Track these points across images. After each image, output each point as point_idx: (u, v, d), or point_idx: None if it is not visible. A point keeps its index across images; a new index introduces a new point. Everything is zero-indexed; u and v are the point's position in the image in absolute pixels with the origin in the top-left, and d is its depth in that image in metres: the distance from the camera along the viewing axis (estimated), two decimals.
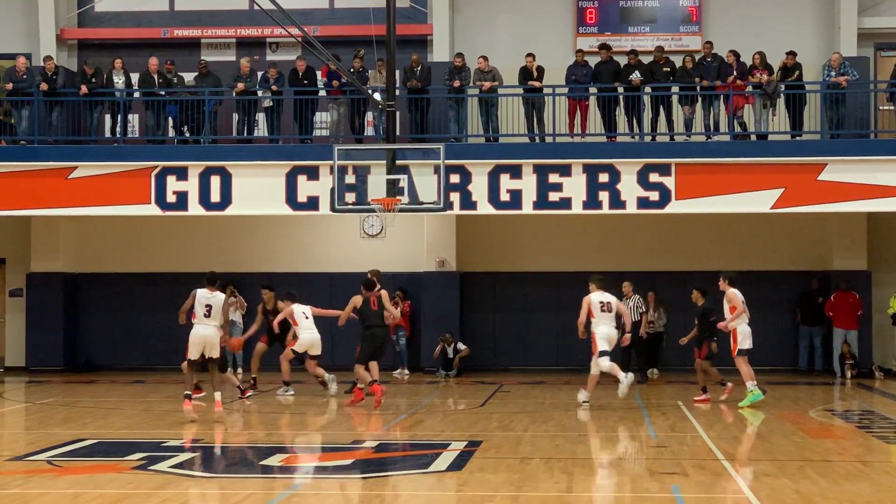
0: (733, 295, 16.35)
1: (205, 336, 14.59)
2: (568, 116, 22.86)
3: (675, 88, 22.38)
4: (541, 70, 22.40)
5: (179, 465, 12.16)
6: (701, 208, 21.42)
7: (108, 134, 23.27)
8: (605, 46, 23.08)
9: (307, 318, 17.54)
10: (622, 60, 22.66)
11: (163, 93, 22.53)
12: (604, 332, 17.14)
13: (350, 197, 19.95)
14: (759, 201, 20.91)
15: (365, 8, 22.70)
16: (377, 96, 21.13)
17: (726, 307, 16.65)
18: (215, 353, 14.86)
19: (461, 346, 23.09)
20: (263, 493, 10.60)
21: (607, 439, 14.52)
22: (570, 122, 22.79)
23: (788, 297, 23.34)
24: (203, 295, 14.97)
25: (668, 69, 22.25)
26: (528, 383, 20.18)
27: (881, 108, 23.49)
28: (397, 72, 20.90)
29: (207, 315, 14.87)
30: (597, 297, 17.41)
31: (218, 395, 15.34)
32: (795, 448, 11.88)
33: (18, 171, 21.99)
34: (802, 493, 8.79)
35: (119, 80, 22.60)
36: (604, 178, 20.98)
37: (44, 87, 22.00)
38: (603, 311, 17.14)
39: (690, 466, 11.62)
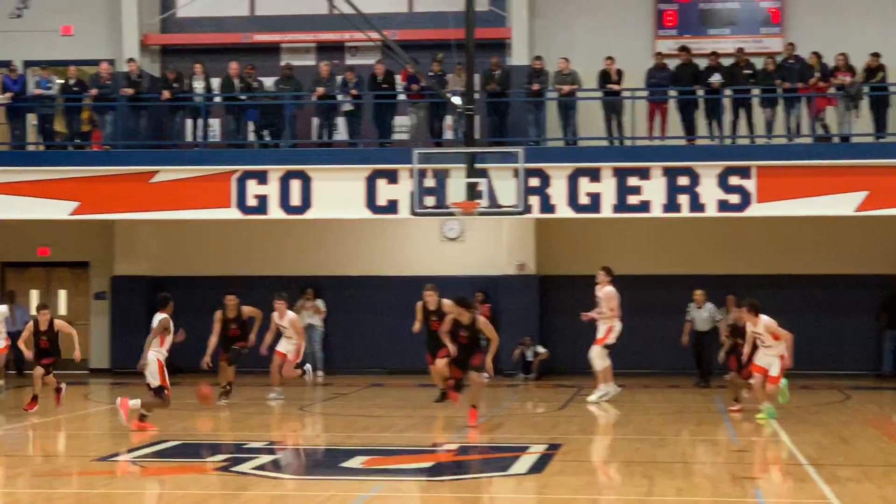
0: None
1: None
2: (647, 119, 23.01)
3: (755, 91, 22.32)
4: (620, 73, 22.57)
5: (261, 467, 12.36)
6: (782, 211, 21.43)
7: (189, 138, 23.72)
8: (684, 49, 23.24)
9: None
10: (702, 63, 22.68)
11: (243, 97, 22.85)
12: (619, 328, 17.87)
13: (429, 200, 20.24)
14: (843, 204, 20.81)
15: (444, 12, 23.03)
16: (456, 100, 21.17)
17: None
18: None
19: (540, 349, 23.29)
20: (344, 494, 10.67)
21: (688, 443, 14.65)
22: (650, 125, 22.95)
23: (872, 300, 23.14)
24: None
25: (749, 71, 22.30)
26: None
27: None
28: (476, 75, 21.19)
29: None
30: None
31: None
32: (880, 453, 11.89)
33: (102, 176, 22.43)
34: (888, 498, 8.76)
35: (200, 85, 23.03)
36: (683, 181, 21.08)
37: (129, 91, 22.44)
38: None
39: (773, 471, 11.94)
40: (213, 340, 17.40)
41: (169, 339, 14.59)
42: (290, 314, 18.28)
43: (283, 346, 18.18)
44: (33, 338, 16.91)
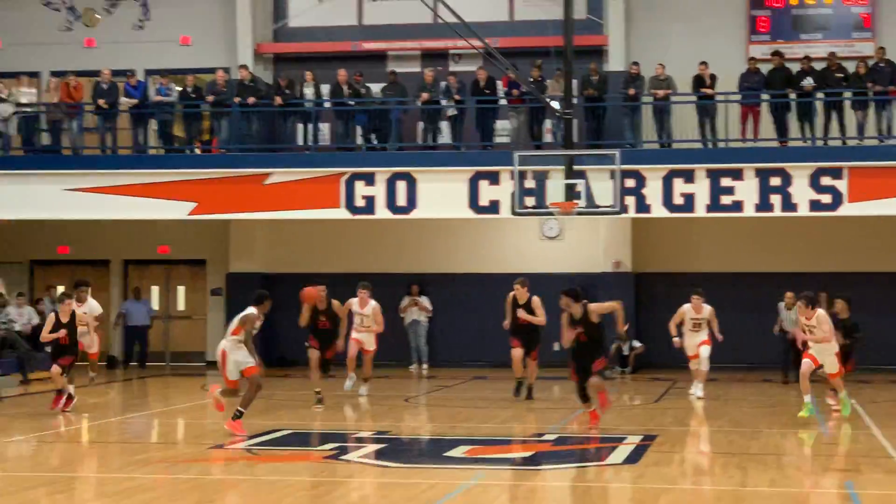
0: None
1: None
2: (740, 122, 23.32)
3: (847, 94, 22.45)
4: (713, 77, 22.95)
5: (368, 456, 12.76)
6: (874, 211, 21.71)
7: (300, 142, 24.31)
8: (777, 53, 23.54)
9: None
10: (794, 67, 22.96)
11: (352, 103, 23.42)
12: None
13: (529, 201, 20.89)
14: None
15: (543, 20, 23.87)
16: (555, 104, 21.64)
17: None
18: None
19: (636, 343, 23.77)
20: (447, 482, 10.97)
21: (781, 436, 14.77)
22: (742, 128, 23.29)
23: None
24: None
25: (841, 75, 22.49)
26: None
27: None
28: (574, 81, 21.51)
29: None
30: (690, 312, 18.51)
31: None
32: None
33: (218, 178, 23.11)
34: None
35: (310, 92, 23.74)
36: (775, 181, 21.46)
37: (251, 100, 23.13)
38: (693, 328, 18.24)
39: (864, 464, 11.89)
40: (305, 318, 16.66)
41: (245, 335, 14.51)
42: (373, 303, 17.98)
43: (360, 335, 18.09)
44: (59, 329, 16.54)
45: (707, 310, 18.67)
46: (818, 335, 15.49)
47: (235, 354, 14.13)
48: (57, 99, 24.47)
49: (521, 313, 16.95)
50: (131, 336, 27.00)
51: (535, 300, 16.99)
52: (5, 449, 14.00)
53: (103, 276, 27.46)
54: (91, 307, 19.44)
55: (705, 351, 18.57)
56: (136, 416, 18.64)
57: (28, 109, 24.68)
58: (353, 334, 18.03)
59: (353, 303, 17.73)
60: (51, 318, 17.15)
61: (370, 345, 18.16)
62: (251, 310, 14.41)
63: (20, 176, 23.97)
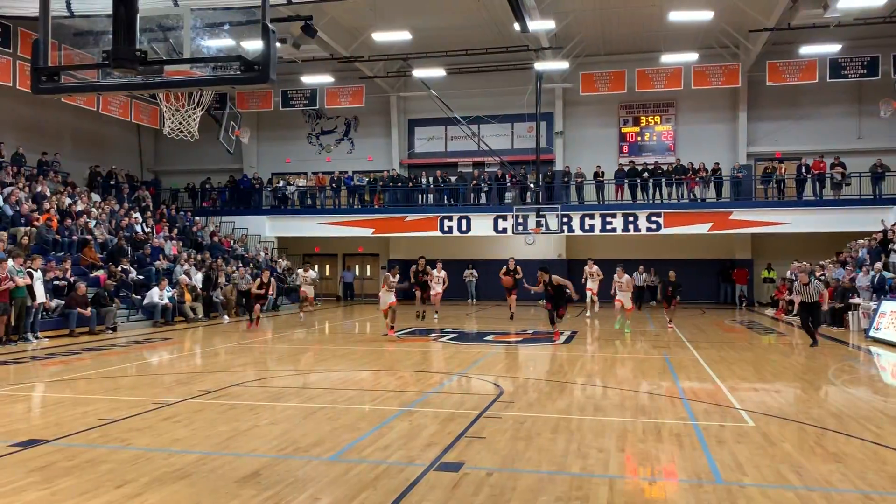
0: None
1: None
2: (616, 192, 26.72)
3: (663, 180, 25.89)
4: (603, 173, 26.63)
5: (450, 338, 15.76)
6: (676, 232, 25.25)
7: (419, 202, 27.98)
8: (631, 162, 27.15)
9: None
10: (639, 168, 26.51)
11: (442, 185, 27.40)
12: None
13: (520, 228, 25.10)
14: None
15: (526, 147, 27.89)
16: (531, 185, 25.91)
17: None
18: None
19: None
20: (484, 351, 12.80)
21: (638, 335, 16.24)
22: (616, 195, 26.75)
23: None
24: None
25: (660, 171, 26.12)
26: None
27: None
28: (539, 174, 25.94)
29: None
30: None
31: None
32: None
33: (384, 218, 27.02)
34: None
35: (424, 181, 27.95)
36: (631, 218, 25.50)
37: (399, 184, 27.29)
38: None
39: (674, 347, 13.39)
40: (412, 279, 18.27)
41: (388, 286, 14.99)
42: (444, 271, 18.77)
43: (437, 288, 18.65)
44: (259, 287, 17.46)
45: (595, 268, 20.28)
46: (624, 288, 17.22)
47: (385, 297, 15.20)
48: (313, 184, 29.50)
49: (506, 279, 17.81)
50: (346, 287, 30.76)
51: (518, 268, 17.84)
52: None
53: (333, 262, 31.91)
54: (312, 274, 20.55)
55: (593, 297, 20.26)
56: (352, 319, 21.77)
57: (300, 188, 29.42)
58: (434, 287, 18.45)
59: (434, 272, 18.47)
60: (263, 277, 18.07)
61: (440, 292, 18.73)
62: (387, 274, 15.41)
63: (298, 216, 28.68)
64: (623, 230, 26.22)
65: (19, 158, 23.05)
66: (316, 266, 30.18)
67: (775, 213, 25.12)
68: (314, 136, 31.63)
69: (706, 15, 21.69)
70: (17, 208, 19.23)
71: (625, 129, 28.94)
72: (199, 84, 4.91)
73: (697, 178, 26.26)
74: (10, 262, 14.36)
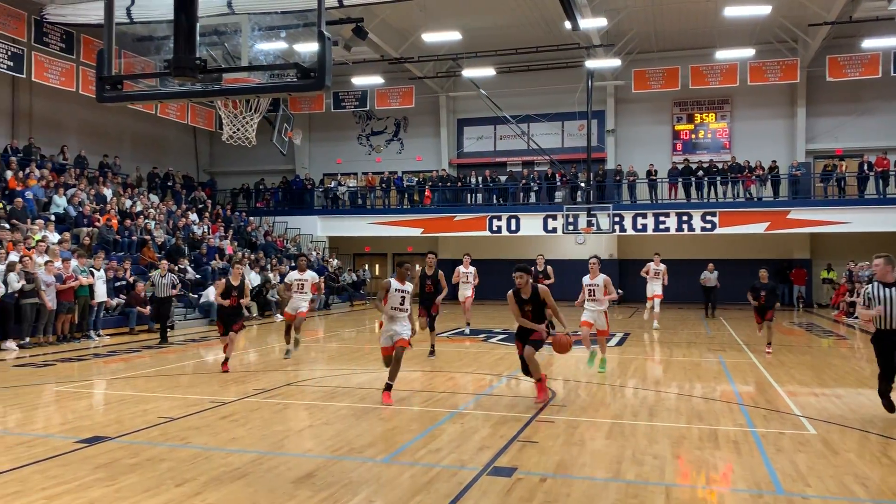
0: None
1: None
2: (669, 191, 26.28)
3: (718, 178, 25.37)
4: (656, 172, 26.17)
5: (498, 340, 17.00)
6: (732, 232, 24.75)
7: (468, 202, 27.96)
8: (686, 160, 26.62)
9: None
10: (693, 166, 26.04)
11: (491, 185, 27.35)
12: None
13: (570, 227, 25.18)
14: None
15: (577, 146, 27.70)
16: (582, 184, 25.59)
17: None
18: None
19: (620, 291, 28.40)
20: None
21: (692, 337, 16.32)
22: (669, 194, 26.33)
23: None
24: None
25: (716, 169, 25.74)
26: None
27: None
28: (591, 173, 25.85)
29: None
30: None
31: None
32: None
33: (433, 217, 27.11)
34: None
35: (473, 180, 27.77)
36: (685, 217, 25.08)
37: (448, 184, 28.00)
38: None
39: (729, 348, 13.52)
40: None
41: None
42: (473, 267, 15.29)
43: (464, 291, 15.56)
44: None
45: (662, 267, 17.34)
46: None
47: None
48: (364, 184, 29.79)
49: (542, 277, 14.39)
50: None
51: (549, 269, 14.93)
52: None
53: (383, 261, 31.72)
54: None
55: (658, 303, 17.35)
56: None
57: (351, 188, 29.78)
58: (460, 290, 15.44)
59: (461, 268, 15.37)
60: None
61: (470, 295, 15.53)
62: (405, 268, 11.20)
63: (349, 216, 28.96)
64: (677, 230, 25.78)
65: (82, 161, 23.82)
66: (366, 265, 30.47)
67: (835, 212, 24.43)
68: (364, 137, 31.89)
69: (763, 9, 21.21)
70: (80, 209, 19.89)
71: (678, 127, 28.53)
72: (256, 91, 5.01)
73: (754, 177, 25.75)
74: (73, 261, 14.83)
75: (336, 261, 28.34)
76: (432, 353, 12.22)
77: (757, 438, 6.86)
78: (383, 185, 29.09)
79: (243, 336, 16.87)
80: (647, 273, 17.57)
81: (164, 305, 15.18)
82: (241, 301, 10.86)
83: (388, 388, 8.19)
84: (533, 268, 14.08)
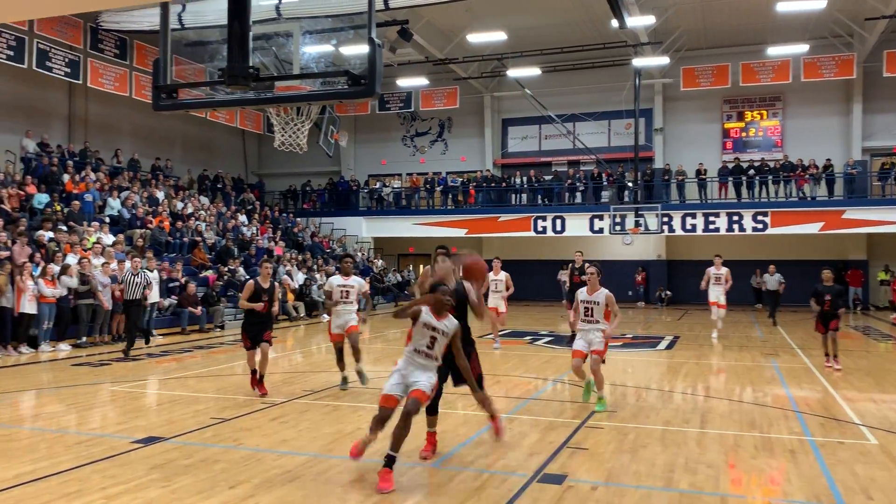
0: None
1: None
2: (718, 190, 25.77)
3: (769, 177, 24.84)
4: (705, 171, 25.67)
5: (545, 343, 16.08)
6: (784, 232, 24.20)
7: (513, 202, 27.84)
8: (736, 158, 26.10)
9: None
10: (744, 165, 25.48)
11: (535, 185, 27.48)
12: None
13: (618, 228, 24.91)
14: None
15: (624, 145, 27.21)
16: (629, 183, 25.40)
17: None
18: None
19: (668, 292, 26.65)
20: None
21: (744, 340, 15.78)
22: (719, 193, 25.80)
23: None
24: None
25: (767, 168, 25.14)
26: None
27: None
28: (638, 172, 25.46)
29: None
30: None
31: None
32: None
33: (477, 218, 27.07)
34: None
35: (517, 180, 27.63)
36: (735, 217, 24.53)
37: (493, 184, 27.95)
38: None
39: (782, 351, 13.26)
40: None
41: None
42: (504, 272, 13.44)
43: (494, 301, 13.49)
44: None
45: (724, 270, 15.56)
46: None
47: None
48: (408, 185, 29.95)
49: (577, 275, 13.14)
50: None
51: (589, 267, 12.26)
52: None
53: (427, 262, 28.02)
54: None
55: (722, 312, 15.75)
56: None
57: (395, 189, 29.73)
58: (490, 300, 13.11)
59: (490, 275, 12.64)
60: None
61: (503, 307, 13.76)
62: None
63: (393, 217, 28.92)
64: (727, 230, 25.23)
65: (135, 164, 24.40)
66: (410, 265, 30.56)
67: (893, 211, 23.69)
68: (409, 138, 31.97)
69: (818, 4, 20.61)
70: (133, 211, 20.39)
71: (728, 125, 27.96)
72: (307, 99, 5.06)
73: (807, 175, 25.14)
74: (127, 263, 15.18)
75: (381, 261, 28.46)
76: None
77: (814, 447, 6.69)
78: (427, 185, 29.14)
79: (290, 335, 16.97)
80: (706, 281, 15.82)
81: (132, 309, 13.22)
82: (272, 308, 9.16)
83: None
84: (570, 265, 13.90)
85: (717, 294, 15.71)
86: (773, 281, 19.67)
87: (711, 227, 25.51)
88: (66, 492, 5.28)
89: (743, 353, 13.61)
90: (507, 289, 13.58)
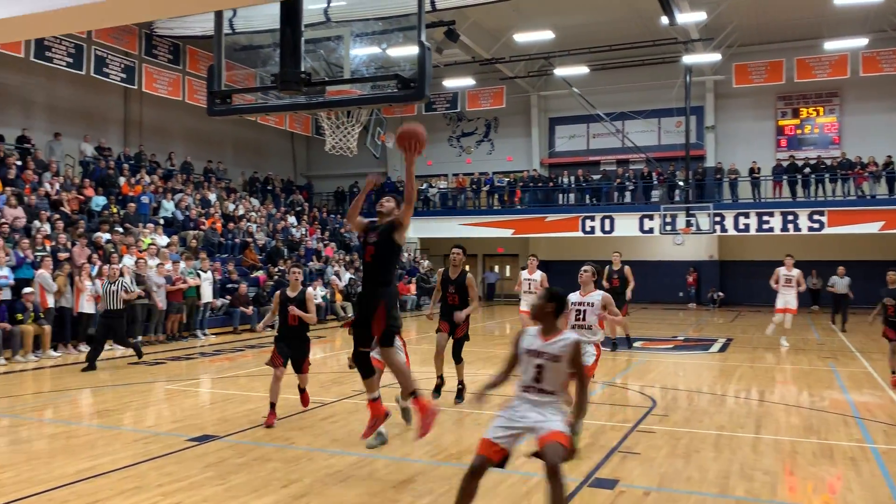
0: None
1: None
2: (773, 189, 25.28)
3: (826, 175, 24.25)
4: (759, 169, 25.04)
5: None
6: (841, 231, 23.49)
7: (560, 202, 27.72)
8: (791, 157, 25.61)
9: None
10: (799, 163, 24.99)
11: (584, 184, 27.44)
12: None
13: (668, 228, 24.50)
14: None
15: (675, 143, 26.73)
16: (680, 182, 24.95)
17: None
18: None
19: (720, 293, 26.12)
20: (634, 358, 13.76)
21: (801, 342, 14.66)
22: (773, 192, 25.28)
23: None
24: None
25: (823, 166, 24.50)
26: None
27: None
28: (689, 171, 24.91)
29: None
30: None
31: None
32: None
33: (524, 218, 26.93)
34: None
35: (565, 180, 27.53)
36: (790, 217, 23.98)
37: (539, 184, 27.60)
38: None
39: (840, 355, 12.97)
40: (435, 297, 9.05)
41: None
42: (540, 272, 11.63)
43: (527, 304, 11.14)
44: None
45: (796, 272, 14.33)
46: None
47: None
48: (454, 185, 30.05)
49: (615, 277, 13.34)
50: (490, 287, 30.69)
51: (628, 269, 13.64)
52: None
53: (473, 262, 30.84)
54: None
55: (789, 319, 14.45)
56: (493, 321, 23.06)
57: (442, 190, 30.02)
58: (522, 302, 11.77)
59: (523, 274, 11.77)
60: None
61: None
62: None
63: (439, 218, 28.84)
64: (781, 230, 24.63)
65: (188, 167, 24.95)
66: None
67: None
68: (455, 139, 32.00)
69: None
70: (187, 213, 20.87)
71: (782, 122, 27.32)
72: (358, 103, 5.10)
73: (866, 173, 24.37)
74: (182, 264, 15.58)
75: (427, 262, 28.60)
76: (460, 396, 8.59)
77: (877, 455, 6.47)
78: (474, 185, 29.12)
79: (339, 335, 17.03)
80: (776, 281, 14.42)
81: (113, 321, 11.86)
82: (306, 320, 7.52)
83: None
84: (607, 267, 13.27)
85: (787, 299, 14.31)
86: (842, 284, 18.79)
87: (765, 226, 24.96)
88: (124, 488, 5.41)
89: (799, 357, 13.28)
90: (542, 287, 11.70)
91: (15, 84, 20.81)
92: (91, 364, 11.41)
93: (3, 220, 14.75)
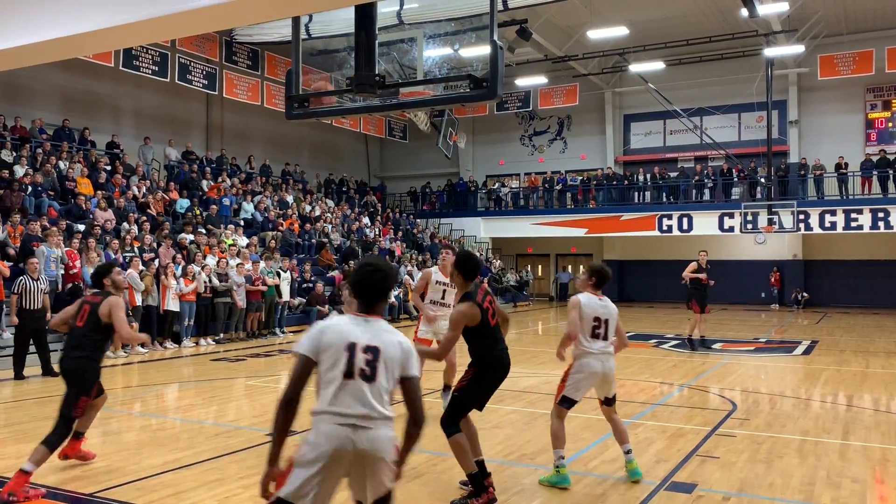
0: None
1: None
2: (861, 186, 24.23)
3: None
4: (846, 164, 24.19)
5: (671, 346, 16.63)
6: None
7: (636, 200, 27.45)
8: (882, 151, 24.41)
9: None
10: (890, 157, 23.93)
11: (660, 182, 26.73)
12: None
13: (749, 226, 23.82)
14: None
15: (756, 139, 26.23)
16: (762, 179, 24.36)
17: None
18: None
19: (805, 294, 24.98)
20: (710, 361, 13.25)
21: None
22: (862, 188, 24.21)
23: None
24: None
25: None
26: None
27: None
28: (771, 168, 24.06)
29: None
30: None
31: None
32: None
33: (598, 217, 26.83)
34: None
35: (641, 178, 27.35)
36: (881, 214, 23.18)
37: (614, 182, 27.14)
38: None
39: None
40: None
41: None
42: None
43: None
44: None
45: None
46: None
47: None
48: (526, 185, 29.99)
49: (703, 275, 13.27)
50: (561, 288, 30.29)
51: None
52: None
53: (546, 262, 31.99)
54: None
55: None
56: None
57: (514, 189, 30.15)
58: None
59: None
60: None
61: None
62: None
63: (511, 217, 29.07)
64: (871, 228, 23.78)
65: (266, 169, 25.66)
66: (528, 266, 30.66)
67: None
68: (527, 138, 31.85)
69: None
70: (266, 214, 21.46)
71: (872, 115, 26.22)
72: (431, 104, 5.15)
73: None
74: (262, 263, 16.04)
75: (499, 262, 28.56)
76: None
77: None
78: (546, 184, 28.95)
79: (411, 334, 17.34)
80: None
81: (34, 321, 10.17)
82: None
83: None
84: (695, 262, 13.67)
85: None
86: None
87: (853, 224, 24.08)
88: (207, 480, 5.59)
89: (891, 360, 12.71)
90: None
91: (105, 92, 21.87)
92: None
93: (95, 223, 15.40)
